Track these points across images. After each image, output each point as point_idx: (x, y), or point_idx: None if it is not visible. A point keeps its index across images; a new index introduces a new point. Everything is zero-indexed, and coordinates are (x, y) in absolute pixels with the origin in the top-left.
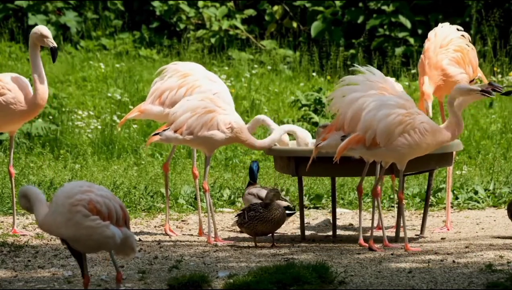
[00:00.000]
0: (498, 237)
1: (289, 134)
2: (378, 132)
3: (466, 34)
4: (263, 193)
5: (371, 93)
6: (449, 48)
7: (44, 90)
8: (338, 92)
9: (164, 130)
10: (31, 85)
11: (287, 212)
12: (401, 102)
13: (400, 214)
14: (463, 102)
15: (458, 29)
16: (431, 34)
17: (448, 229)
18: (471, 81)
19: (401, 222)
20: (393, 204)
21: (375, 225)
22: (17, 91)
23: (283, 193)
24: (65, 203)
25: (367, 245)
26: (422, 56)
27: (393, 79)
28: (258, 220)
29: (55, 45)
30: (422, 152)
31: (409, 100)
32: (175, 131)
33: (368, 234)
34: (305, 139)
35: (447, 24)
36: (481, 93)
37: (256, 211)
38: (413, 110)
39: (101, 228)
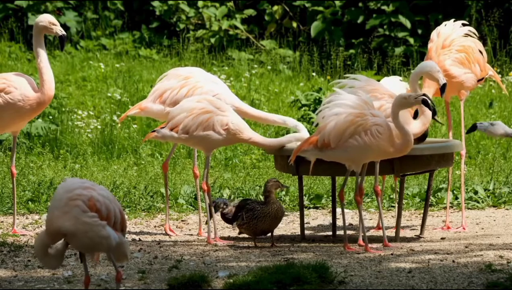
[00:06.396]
0: (498, 237)
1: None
2: (328, 131)
3: (472, 29)
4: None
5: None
6: (451, 48)
7: (51, 80)
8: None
9: (161, 128)
10: (35, 80)
11: None
12: (356, 102)
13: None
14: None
15: (463, 24)
16: (433, 34)
17: (464, 229)
18: (480, 80)
19: (362, 223)
20: (393, 204)
21: (373, 224)
22: (23, 87)
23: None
24: (63, 197)
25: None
26: (426, 57)
27: (397, 78)
28: (257, 218)
29: (64, 33)
30: (378, 155)
31: (367, 102)
32: (171, 129)
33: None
34: None
35: (451, 22)
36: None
37: (254, 211)
38: (367, 111)
39: (98, 227)
